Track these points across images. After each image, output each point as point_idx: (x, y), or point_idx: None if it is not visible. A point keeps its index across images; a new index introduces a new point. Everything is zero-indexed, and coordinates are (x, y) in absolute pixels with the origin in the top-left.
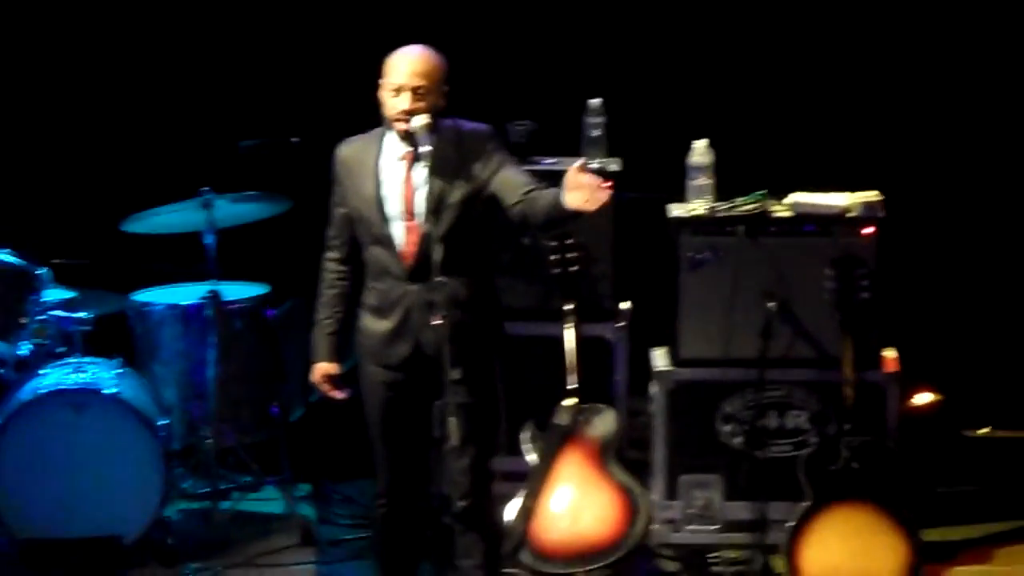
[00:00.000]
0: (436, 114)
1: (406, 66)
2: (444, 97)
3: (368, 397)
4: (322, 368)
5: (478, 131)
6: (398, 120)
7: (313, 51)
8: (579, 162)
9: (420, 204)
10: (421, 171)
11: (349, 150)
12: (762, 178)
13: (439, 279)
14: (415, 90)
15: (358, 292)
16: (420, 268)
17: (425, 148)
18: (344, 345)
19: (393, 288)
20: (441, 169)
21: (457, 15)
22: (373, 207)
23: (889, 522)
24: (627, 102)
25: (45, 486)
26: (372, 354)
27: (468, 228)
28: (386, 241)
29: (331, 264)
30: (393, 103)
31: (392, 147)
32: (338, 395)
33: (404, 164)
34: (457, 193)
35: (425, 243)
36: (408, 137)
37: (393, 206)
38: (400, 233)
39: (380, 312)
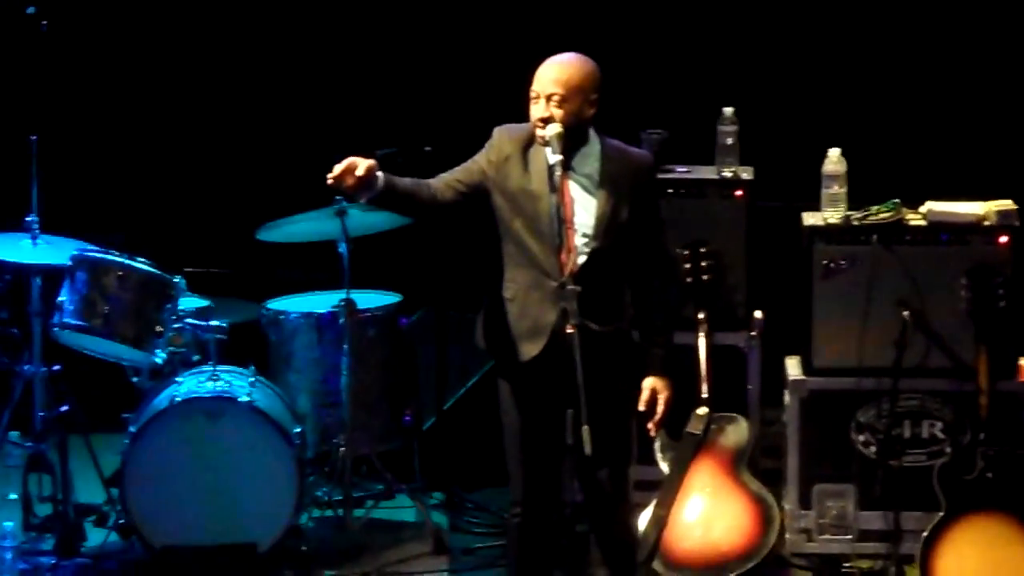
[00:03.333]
0: (580, 124)
1: (545, 73)
2: (591, 106)
3: (503, 405)
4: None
5: (646, 159)
6: (536, 127)
7: (446, 59)
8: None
9: (583, 216)
10: (581, 181)
11: (508, 136)
12: (894, 186)
13: (573, 287)
14: (550, 97)
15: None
16: (568, 276)
17: (556, 158)
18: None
19: (533, 289)
20: (612, 188)
21: (589, 25)
22: (534, 200)
23: None
24: (760, 110)
25: (179, 494)
26: (505, 355)
27: (619, 244)
28: (542, 239)
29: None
30: (532, 110)
31: (539, 152)
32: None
33: (557, 172)
34: (624, 213)
35: (585, 255)
36: (547, 145)
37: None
38: (552, 239)
39: (516, 310)
